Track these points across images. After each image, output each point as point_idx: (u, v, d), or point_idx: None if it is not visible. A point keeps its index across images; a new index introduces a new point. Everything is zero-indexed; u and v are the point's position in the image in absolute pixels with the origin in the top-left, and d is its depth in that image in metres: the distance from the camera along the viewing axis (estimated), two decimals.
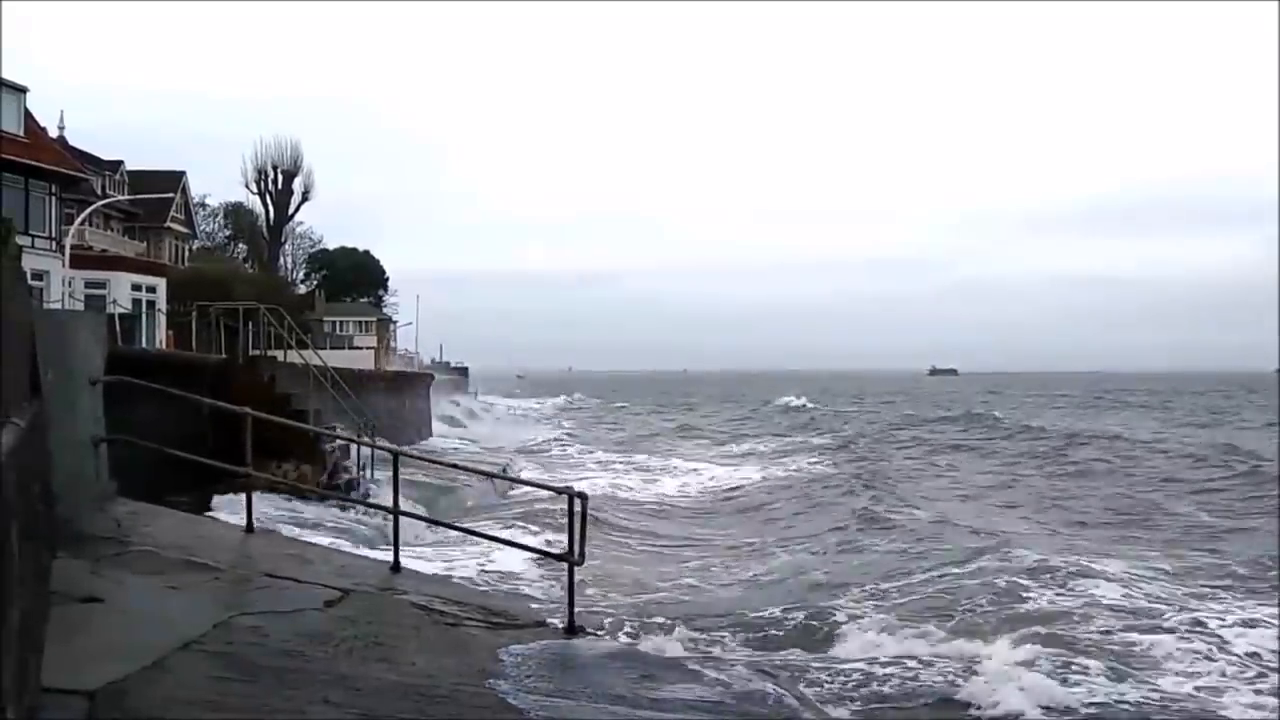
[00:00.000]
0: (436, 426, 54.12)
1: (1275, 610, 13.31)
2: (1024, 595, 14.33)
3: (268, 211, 75.49)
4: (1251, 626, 12.67)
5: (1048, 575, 15.24)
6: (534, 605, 11.93)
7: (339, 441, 21.46)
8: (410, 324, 79.21)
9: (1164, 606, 13.75)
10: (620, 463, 39.29)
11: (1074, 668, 10.70)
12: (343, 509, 20.26)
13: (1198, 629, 12.58)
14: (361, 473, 23.10)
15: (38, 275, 31.11)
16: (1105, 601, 13.89)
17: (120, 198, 52.45)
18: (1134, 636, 12.20)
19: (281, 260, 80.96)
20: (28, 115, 37.39)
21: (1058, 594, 14.43)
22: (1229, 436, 46.24)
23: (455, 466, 15.43)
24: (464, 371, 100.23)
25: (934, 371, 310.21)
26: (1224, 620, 13.00)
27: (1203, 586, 15.22)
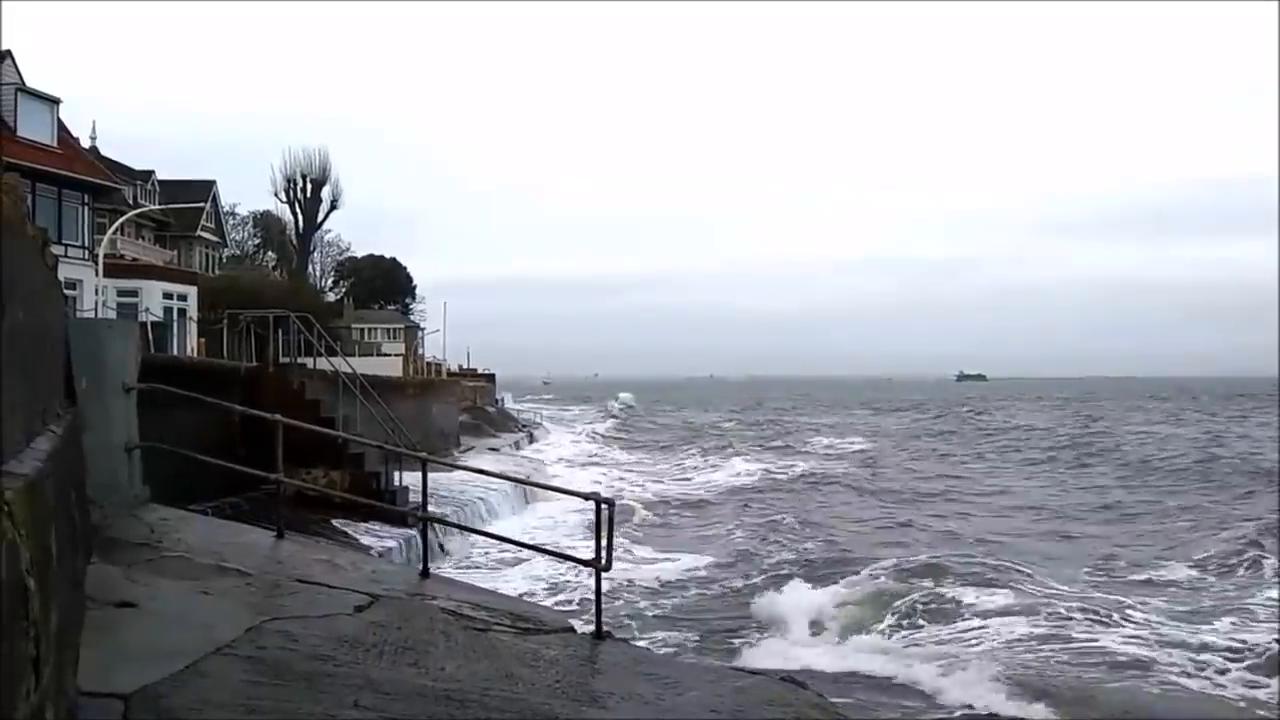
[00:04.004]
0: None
1: None
2: None
3: (296, 220, 75.99)
4: None
5: None
6: (561, 610, 11.96)
7: (369, 449, 21.53)
8: (437, 331, 79.45)
9: None
10: None
11: None
12: (371, 515, 20.36)
13: None
14: (391, 480, 23.18)
15: (71, 284, 31.50)
16: None
17: (152, 207, 52.95)
18: None
19: (310, 268, 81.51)
20: (60, 125, 37.83)
21: None
22: None
23: (482, 472, 15.45)
24: (491, 378, 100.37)
25: (961, 377, 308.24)
26: None
27: None
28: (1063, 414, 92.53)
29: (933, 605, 18.15)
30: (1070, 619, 17.30)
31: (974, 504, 32.34)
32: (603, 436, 72.46)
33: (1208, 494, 34.23)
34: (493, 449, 53.33)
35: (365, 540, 19.57)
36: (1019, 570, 20.84)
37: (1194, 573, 21.57)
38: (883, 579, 19.69)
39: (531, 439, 66.54)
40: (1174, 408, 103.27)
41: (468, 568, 21.43)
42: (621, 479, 42.24)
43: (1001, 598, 18.65)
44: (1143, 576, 21.00)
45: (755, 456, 52.04)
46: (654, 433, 77.17)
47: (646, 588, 20.61)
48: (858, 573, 20.52)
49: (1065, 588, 19.87)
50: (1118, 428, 69.62)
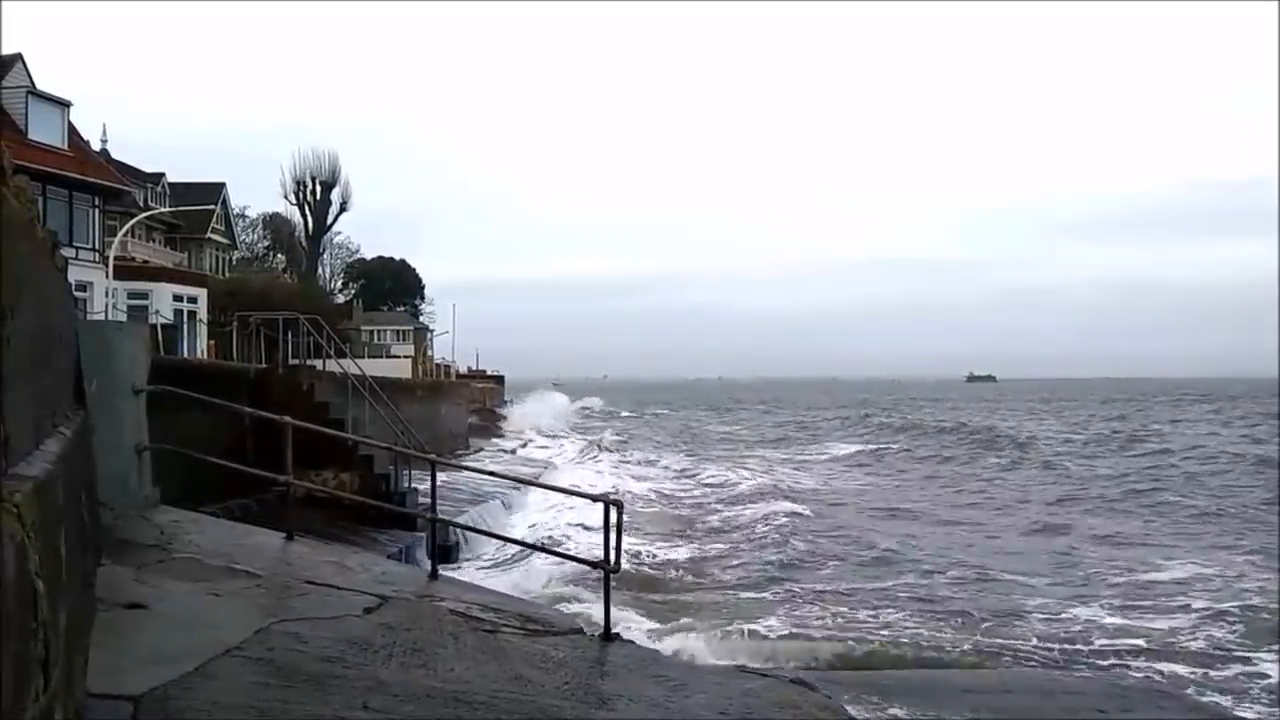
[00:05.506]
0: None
1: None
2: None
3: (306, 222, 76.19)
4: None
5: None
6: (570, 611, 11.94)
7: (379, 450, 21.54)
8: (446, 333, 79.60)
9: None
10: None
11: None
12: (380, 516, 20.36)
13: None
14: (400, 482, 23.21)
15: (81, 286, 31.60)
16: None
17: (162, 209, 53.11)
18: None
19: (319, 270, 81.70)
20: (71, 128, 37.95)
21: None
22: None
23: (490, 474, 15.50)
24: (500, 379, 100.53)
25: (971, 378, 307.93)
26: None
27: None
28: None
29: None
30: None
31: None
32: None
33: None
34: (502, 450, 53.45)
35: (375, 541, 19.57)
36: None
37: None
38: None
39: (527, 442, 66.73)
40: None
41: (489, 565, 21.52)
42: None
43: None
44: None
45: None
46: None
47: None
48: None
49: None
50: None
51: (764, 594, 19.98)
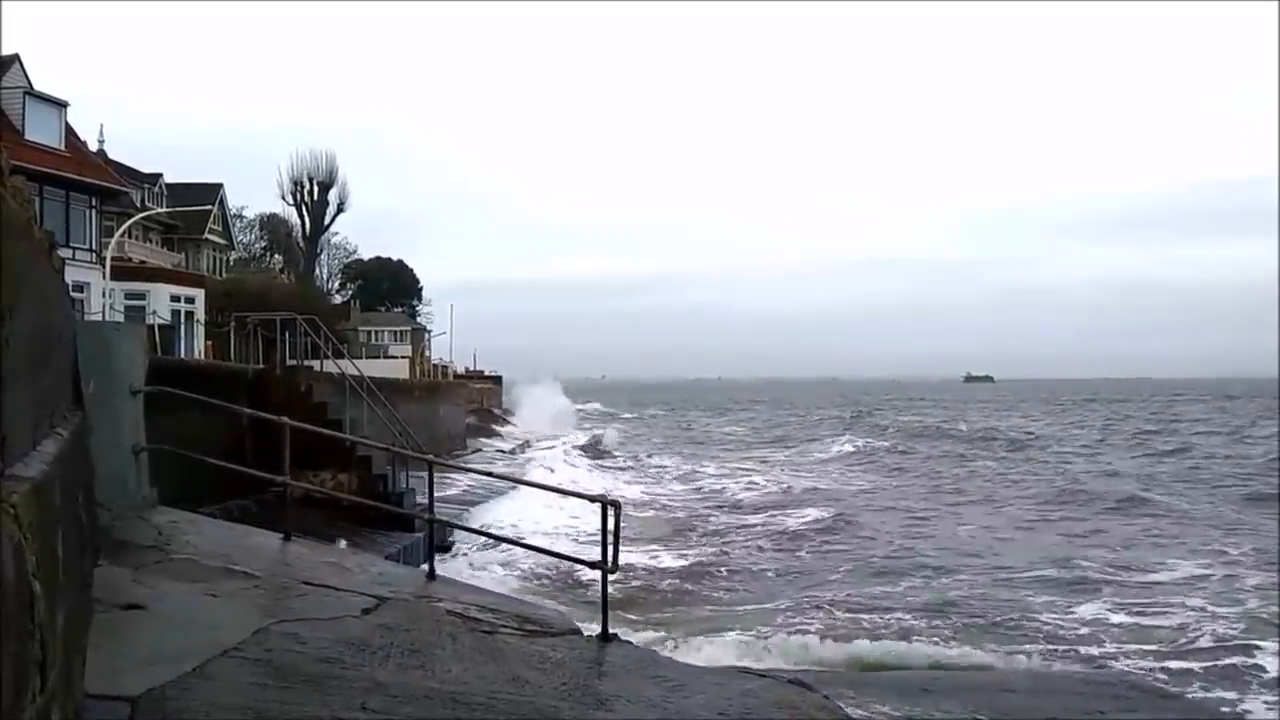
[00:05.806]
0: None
1: None
2: None
3: (303, 222, 76.20)
4: None
5: None
6: (567, 611, 11.93)
7: (377, 451, 21.52)
8: (444, 334, 79.60)
9: None
10: None
11: None
12: (378, 517, 20.35)
13: None
14: (398, 482, 23.18)
15: (78, 287, 31.57)
16: None
17: (160, 210, 53.10)
18: None
19: (317, 270, 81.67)
20: (68, 129, 37.93)
21: None
22: None
23: (487, 475, 15.50)
24: (497, 380, 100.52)
25: (969, 378, 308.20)
26: None
27: None
28: None
29: None
30: None
31: None
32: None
33: None
34: (500, 450, 53.49)
35: (373, 542, 19.56)
36: None
37: None
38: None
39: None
40: None
41: (484, 550, 21.52)
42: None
43: None
44: None
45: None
46: None
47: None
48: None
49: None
50: None
51: (764, 601, 19.95)
